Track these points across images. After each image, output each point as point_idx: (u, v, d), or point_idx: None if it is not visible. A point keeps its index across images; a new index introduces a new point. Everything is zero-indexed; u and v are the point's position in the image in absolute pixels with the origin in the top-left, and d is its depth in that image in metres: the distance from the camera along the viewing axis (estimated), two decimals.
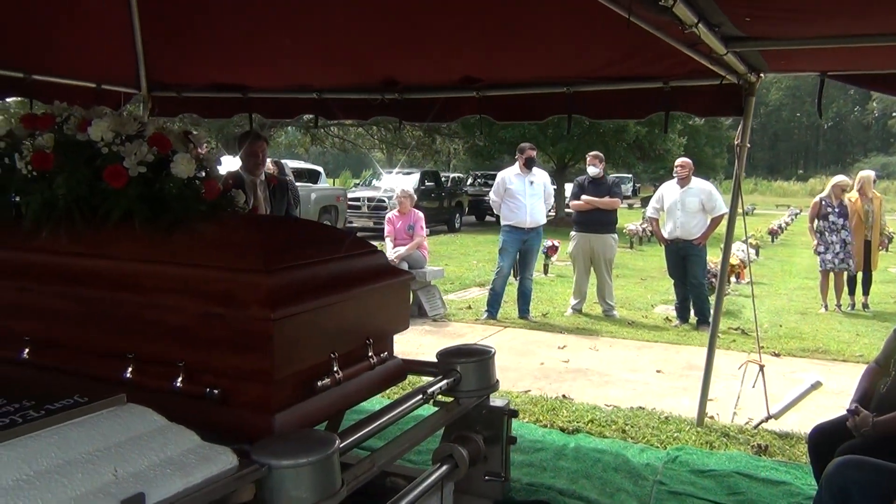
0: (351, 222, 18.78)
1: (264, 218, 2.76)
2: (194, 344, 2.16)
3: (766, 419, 4.66)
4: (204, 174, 2.68)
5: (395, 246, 8.20)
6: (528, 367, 6.21)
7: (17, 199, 2.55)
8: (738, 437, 4.52)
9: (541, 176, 8.24)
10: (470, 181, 29.73)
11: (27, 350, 2.47)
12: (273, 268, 2.14)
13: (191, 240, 2.31)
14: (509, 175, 8.13)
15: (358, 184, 25.45)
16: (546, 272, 11.94)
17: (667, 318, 8.47)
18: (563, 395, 5.29)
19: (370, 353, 2.50)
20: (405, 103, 5.03)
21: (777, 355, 6.80)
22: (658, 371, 6.15)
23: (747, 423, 4.78)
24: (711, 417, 4.87)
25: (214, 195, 2.53)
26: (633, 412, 4.95)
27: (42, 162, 2.42)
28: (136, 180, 2.43)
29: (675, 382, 5.82)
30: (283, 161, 11.98)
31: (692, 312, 8.09)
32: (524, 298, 8.23)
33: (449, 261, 13.87)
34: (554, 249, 11.85)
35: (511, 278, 8.54)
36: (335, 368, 2.29)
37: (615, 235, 8.58)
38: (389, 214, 8.51)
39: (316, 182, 17.69)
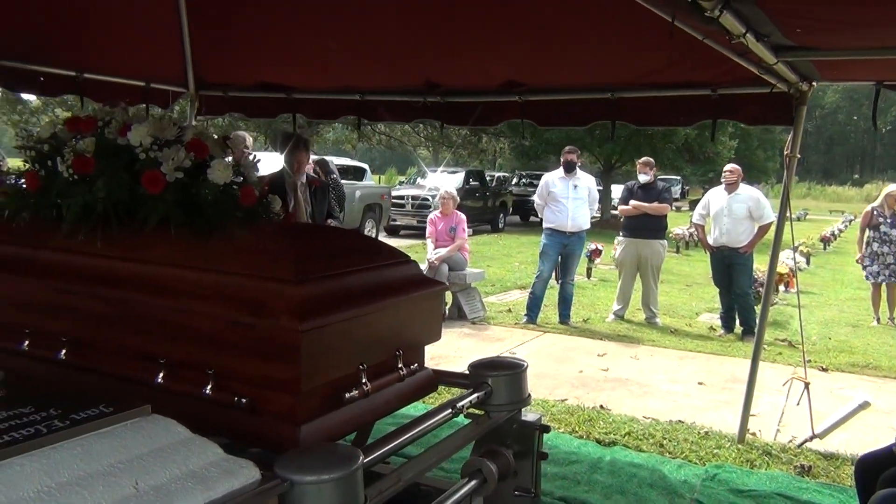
0: (395, 220, 18.85)
1: (298, 226, 2.75)
2: (224, 352, 2.16)
3: (811, 438, 4.52)
4: (241, 179, 2.70)
5: (436, 247, 8.19)
6: (566, 374, 6.13)
7: (59, 201, 2.58)
8: (780, 456, 4.39)
9: (586, 180, 8.14)
10: (515, 181, 29.58)
11: (64, 350, 2.50)
12: (304, 278, 2.12)
13: (224, 246, 2.31)
14: (553, 178, 8.06)
15: (403, 182, 25.49)
16: (589, 276, 11.82)
17: (711, 327, 8.30)
18: (601, 406, 5.21)
19: (400, 365, 2.47)
20: (447, 106, 5.01)
21: (825, 370, 6.60)
22: (700, 383, 6.02)
23: (791, 441, 4.64)
24: (753, 434, 4.74)
25: (251, 202, 2.53)
26: (671, 426, 4.84)
27: (83, 166, 2.45)
28: (174, 185, 2.44)
29: (717, 395, 5.68)
30: (327, 158, 12.00)
31: (737, 322, 7.90)
32: (564, 303, 8.15)
33: (491, 262, 13.81)
34: (598, 253, 11.71)
35: (553, 282, 8.46)
36: (363, 380, 2.27)
37: (664, 242, 8.43)
38: (431, 215, 8.50)
39: (361, 179, 17.75)
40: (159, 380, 2.26)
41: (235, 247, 2.30)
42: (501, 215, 23.25)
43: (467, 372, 2.79)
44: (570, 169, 7.95)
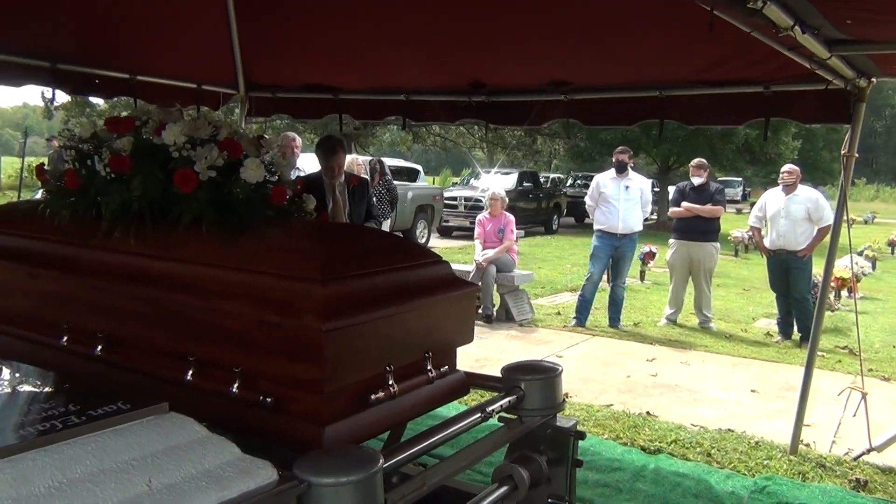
0: (447, 221, 18.86)
1: (329, 226, 2.74)
2: (251, 351, 2.15)
3: (868, 451, 4.31)
4: (276, 179, 2.70)
5: (484, 248, 8.14)
6: (612, 379, 6.01)
7: (98, 199, 2.62)
8: (834, 469, 4.20)
9: (638, 181, 7.98)
10: (570, 182, 29.29)
11: (100, 347, 2.54)
12: (330, 277, 2.10)
13: (254, 245, 2.31)
14: (604, 178, 7.93)
15: (456, 183, 25.49)
16: (642, 279, 11.61)
17: (768, 333, 8.05)
18: (648, 412, 5.08)
19: (429, 367, 2.43)
20: (492, 106, 4.96)
21: (887, 379, 6.32)
22: (753, 391, 5.82)
23: (846, 453, 4.44)
24: (807, 445, 4.56)
25: (282, 200, 2.52)
26: (721, 434, 4.69)
27: (119, 164, 2.47)
28: (207, 184, 2.45)
29: (771, 404, 5.49)
30: (382, 160, 12.10)
31: (796, 328, 7.64)
32: (615, 306, 8.01)
33: (542, 264, 13.69)
34: (651, 255, 11.50)
35: (604, 284, 8.33)
36: (390, 382, 2.24)
37: (717, 244, 8.20)
38: (480, 216, 8.47)
39: (414, 180, 17.80)
40: (188, 377, 2.26)
41: (265, 246, 2.30)
42: (555, 217, 23.07)
43: (500, 375, 2.74)
44: (621, 169, 7.81)
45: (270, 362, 2.12)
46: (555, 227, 22.78)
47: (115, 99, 6.69)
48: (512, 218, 8.38)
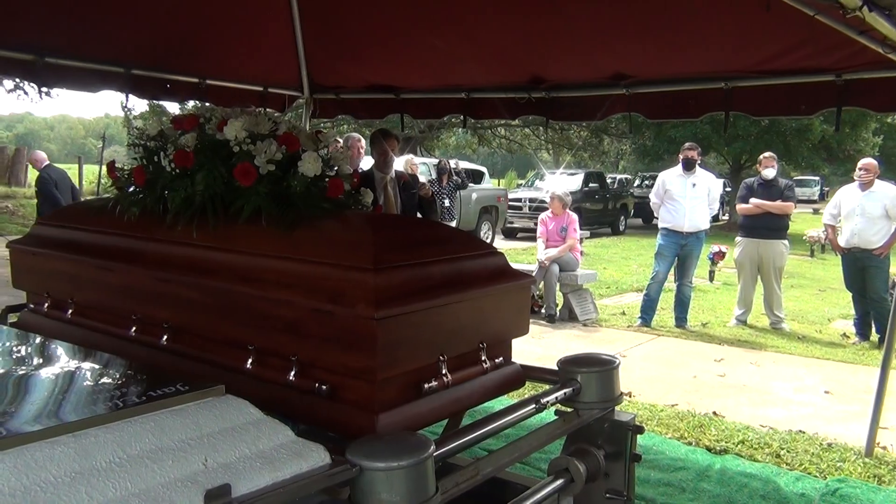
0: (511, 222, 18.81)
1: (382, 217, 2.77)
2: (307, 339, 2.19)
3: None
4: (334, 172, 2.75)
5: (547, 247, 8.09)
6: (678, 379, 5.89)
7: (165, 194, 2.71)
8: None
9: (705, 178, 7.80)
10: (637, 182, 28.81)
11: (166, 336, 2.62)
12: (381, 266, 2.12)
13: (309, 236, 2.35)
14: (670, 176, 7.78)
15: (521, 184, 25.41)
16: (711, 279, 11.34)
17: (844, 334, 7.75)
18: (714, 412, 4.96)
19: (483, 358, 2.43)
20: (552, 101, 4.92)
21: None
22: (827, 392, 5.61)
23: None
24: (884, 448, 4.37)
25: (338, 193, 2.57)
26: (791, 436, 4.53)
27: (183, 160, 2.56)
28: (266, 178, 2.51)
29: (846, 406, 5.28)
30: (459, 167, 12.20)
31: (874, 329, 7.32)
32: (681, 306, 7.84)
33: (608, 264, 13.52)
34: (721, 255, 11.21)
35: (671, 284, 8.18)
36: (444, 371, 2.25)
37: (786, 241, 7.94)
38: (543, 215, 8.42)
39: (479, 182, 17.80)
40: (248, 366, 2.32)
41: (319, 236, 2.34)
42: (622, 218, 22.75)
43: (556, 368, 2.71)
44: (688, 166, 7.64)
45: (325, 351, 2.15)
46: (621, 228, 22.47)
47: (193, 104, 6.89)
48: (575, 217, 8.30)
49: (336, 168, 2.72)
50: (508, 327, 2.59)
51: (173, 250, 2.65)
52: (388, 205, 4.80)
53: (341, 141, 6.90)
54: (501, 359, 2.54)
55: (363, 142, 6.44)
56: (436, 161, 16.48)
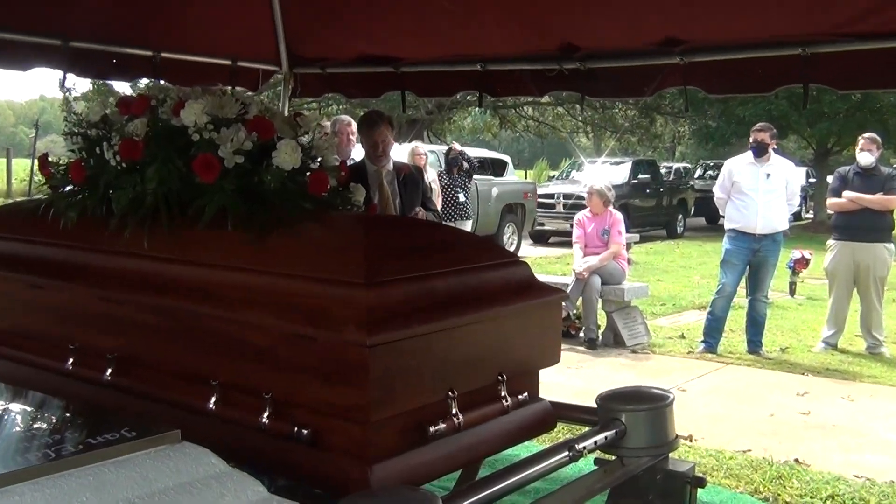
0: (541, 224, 18.83)
1: (376, 218, 2.79)
2: (283, 372, 2.21)
3: None
4: (317, 165, 2.76)
5: (585, 254, 8.09)
6: (751, 418, 5.87)
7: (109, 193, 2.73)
8: None
9: (782, 167, 7.77)
10: (698, 173, 28.80)
11: (111, 370, 2.64)
12: (376, 280, 2.13)
13: (286, 244, 2.37)
14: (738, 164, 7.76)
15: (553, 177, 25.43)
16: (792, 293, 11.28)
17: None
18: (796, 460, 4.94)
19: (503, 393, 2.44)
20: (589, 74, 4.91)
21: None
22: None
23: None
24: None
25: (322, 190, 2.58)
26: (893, 489, 4.50)
27: (130, 151, 2.58)
28: (233, 172, 2.52)
29: None
30: (458, 147, 12.20)
31: None
32: (755, 327, 7.81)
33: (662, 275, 13.50)
34: (804, 263, 11.15)
35: (742, 299, 8.16)
36: (454, 411, 2.26)
37: (890, 246, 7.88)
38: (579, 215, 8.41)
39: (501, 174, 17.85)
40: (210, 405, 2.33)
41: (299, 244, 2.35)
42: (680, 217, 22.71)
43: (595, 405, 2.71)
44: (761, 152, 7.61)
45: (305, 386, 2.16)
46: (679, 229, 22.43)
47: (146, 84, 6.92)
48: (619, 216, 8.29)
49: (320, 159, 2.74)
50: (535, 355, 2.59)
51: (119, 263, 2.68)
52: (385, 204, 4.81)
53: (328, 125, 6.93)
54: (526, 394, 2.55)
55: (354, 126, 6.46)
56: (445, 148, 16.50)
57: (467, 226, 11.04)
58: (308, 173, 2.63)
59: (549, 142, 40.01)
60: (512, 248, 16.45)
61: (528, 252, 17.18)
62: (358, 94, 6.19)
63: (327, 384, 2.11)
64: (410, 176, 5.08)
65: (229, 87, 6.01)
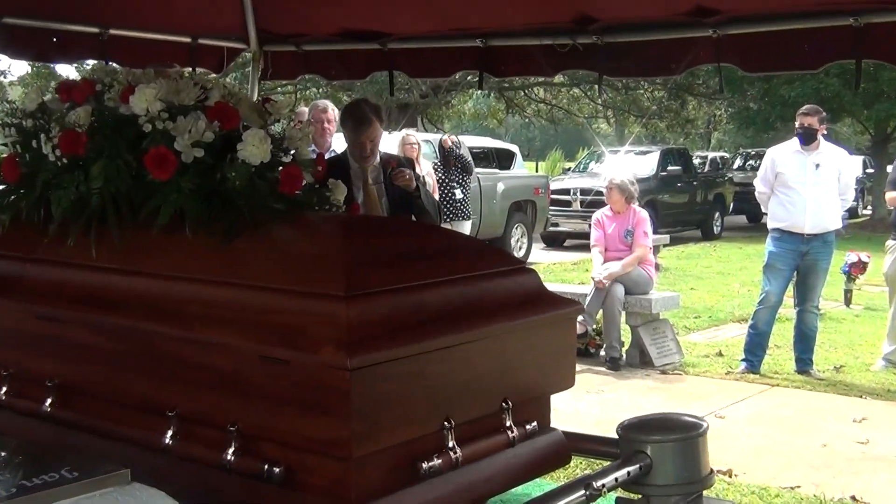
0: (555, 224, 18.82)
1: (359, 220, 2.80)
2: (251, 400, 2.21)
3: None
4: (290, 158, 2.77)
5: (605, 260, 8.09)
6: (801, 449, 5.88)
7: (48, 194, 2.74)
8: None
9: (833, 156, 7.78)
10: (738, 163, 28.81)
11: (50, 399, 2.64)
12: (358, 292, 2.14)
13: (254, 251, 2.38)
14: (783, 153, 7.77)
15: (569, 169, 25.46)
16: (847, 302, 11.30)
17: None
18: (853, 497, 4.95)
19: (508, 423, 2.45)
20: (607, 49, 4.92)
21: None
22: None
23: None
24: None
25: (295, 188, 2.59)
26: None
27: (72, 145, 2.59)
28: (192, 168, 2.54)
29: None
30: (454, 137, 12.18)
31: None
32: (804, 342, 7.81)
33: (697, 283, 13.51)
34: (860, 267, 11.18)
35: (790, 311, 8.19)
36: (450, 444, 2.26)
37: None
38: (598, 214, 8.41)
39: (508, 167, 17.86)
40: (166, 440, 2.34)
41: (268, 251, 2.37)
42: (717, 215, 22.73)
43: (616, 436, 2.72)
44: (808, 139, 7.61)
45: (278, 416, 2.17)
46: (716, 229, 22.45)
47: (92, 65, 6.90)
48: (645, 215, 8.28)
49: (293, 152, 2.75)
50: (545, 378, 2.61)
51: (60, 275, 2.69)
52: (370, 204, 4.80)
53: (305, 112, 6.94)
54: (535, 424, 2.55)
55: (333, 112, 6.45)
56: (440, 137, 16.48)
57: (466, 227, 11.03)
58: (280, 168, 2.64)
59: (564, 129, 40.02)
60: (520, 253, 16.46)
61: (540, 257, 17.20)
62: (340, 76, 6.21)
63: (303, 414, 2.12)
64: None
65: (188, 69, 6.06)
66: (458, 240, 2.78)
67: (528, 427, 2.52)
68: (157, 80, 2.68)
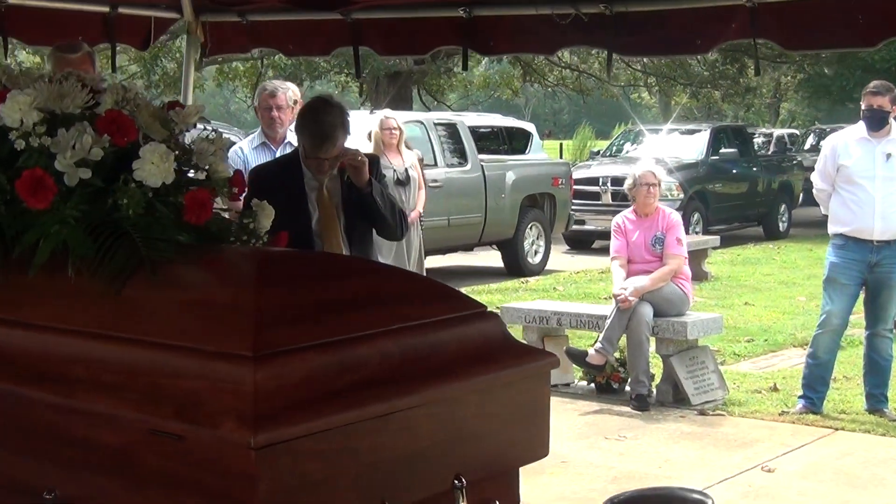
0: (581, 222, 18.79)
1: (278, 255, 2.79)
2: (141, 485, 2.22)
3: None
4: (204, 177, 2.80)
5: (628, 275, 8.09)
6: None
7: None
8: None
9: None
10: (810, 142, 28.72)
11: None
12: (269, 350, 2.15)
13: (149, 297, 2.39)
14: (845, 141, 7.76)
15: (598, 152, 25.39)
16: None
17: None
18: None
19: None
20: (617, 21, 4.95)
21: None
22: None
23: None
24: None
25: (203, 216, 2.61)
26: None
27: None
28: (77, 193, 2.56)
29: None
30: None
31: None
32: (876, 374, 7.80)
33: (754, 296, 13.49)
34: None
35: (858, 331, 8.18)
36: None
37: None
38: (619, 218, 8.42)
39: (523, 150, 17.84)
40: None
41: (165, 297, 2.38)
42: (783, 208, 22.67)
43: None
44: (877, 124, 7.61)
45: (171, 503, 2.18)
46: (782, 226, 22.41)
47: None
48: (677, 218, 8.26)
49: (205, 169, 2.77)
50: (509, 448, 2.61)
51: None
52: (326, 221, 4.75)
53: (293, 93, 6.82)
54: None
55: (284, 96, 6.38)
56: (441, 118, 16.44)
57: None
58: (188, 190, 2.66)
59: (597, 100, 39.51)
60: (536, 259, 16.48)
61: (561, 264, 17.19)
62: (297, 52, 6.25)
63: (201, 503, 2.13)
64: (357, 171, 4.98)
65: (106, 47, 6.09)
66: (403, 281, 2.79)
67: None
68: (36, 83, 2.70)
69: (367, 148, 8.68)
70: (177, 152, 2.68)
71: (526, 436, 2.66)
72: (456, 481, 2.45)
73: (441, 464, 2.43)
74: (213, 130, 2.90)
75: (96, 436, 2.30)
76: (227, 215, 2.91)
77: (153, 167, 2.56)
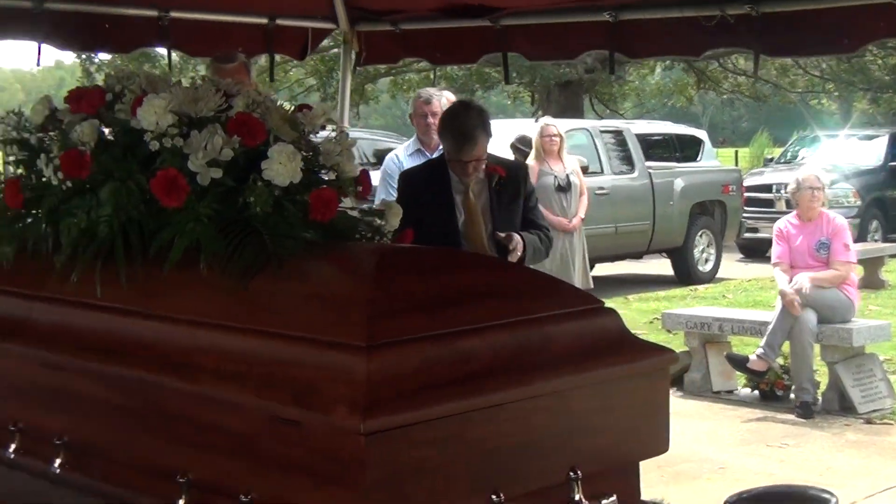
0: (754, 230, 18.46)
1: (396, 251, 2.82)
2: (263, 466, 2.30)
3: None
4: (333, 177, 2.89)
5: (791, 279, 7.94)
6: None
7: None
8: None
9: None
10: None
11: (59, 459, 2.81)
12: (382, 341, 2.20)
13: (273, 291, 2.48)
14: None
15: (772, 159, 24.85)
16: None
17: None
18: None
19: (577, 497, 2.45)
20: (765, 21, 4.88)
21: None
22: None
23: None
24: None
25: (328, 214, 2.69)
26: None
27: (74, 166, 2.75)
28: (210, 192, 2.67)
29: None
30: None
31: None
32: None
33: None
34: None
35: None
36: None
37: None
38: (780, 224, 8.27)
39: (694, 158, 17.63)
40: None
41: (288, 291, 2.47)
42: None
43: None
44: None
45: (293, 486, 2.25)
46: None
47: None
48: (843, 223, 8.08)
49: (332, 169, 2.86)
50: (627, 441, 2.62)
51: (67, 316, 2.85)
52: (473, 224, 4.81)
53: (445, 98, 6.87)
54: (613, 498, 2.56)
55: (438, 103, 6.46)
56: (606, 125, 16.34)
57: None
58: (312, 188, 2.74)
59: (775, 106, 38.83)
60: (707, 267, 16.24)
61: (733, 271, 16.92)
62: (445, 60, 6.34)
63: (318, 486, 2.18)
64: (510, 181, 5.04)
65: (264, 57, 6.29)
66: (517, 276, 2.82)
67: (605, 503, 2.54)
68: (174, 87, 2.83)
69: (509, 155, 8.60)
70: (306, 153, 2.78)
71: (644, 430, 2.65)
72: (570, 473, 2.47)
73: (555, 455, 2.44)
74: (340, 132, 2.97)
75: (222, 422, 2.39)
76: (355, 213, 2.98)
77: (281, 167, 2.64)
